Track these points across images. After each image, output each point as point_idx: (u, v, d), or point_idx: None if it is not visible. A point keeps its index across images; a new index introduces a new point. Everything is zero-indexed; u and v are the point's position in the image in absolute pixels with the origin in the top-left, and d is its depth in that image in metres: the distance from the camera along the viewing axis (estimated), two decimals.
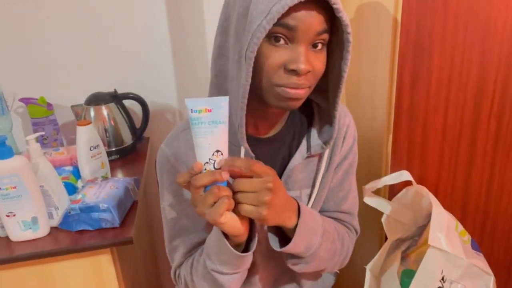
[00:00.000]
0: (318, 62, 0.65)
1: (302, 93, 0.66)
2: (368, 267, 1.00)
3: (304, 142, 0.80)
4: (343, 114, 0.83)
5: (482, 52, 0.97)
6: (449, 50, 0.96)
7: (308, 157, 0.80)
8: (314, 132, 0.79)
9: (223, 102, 0.58)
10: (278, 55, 0.63)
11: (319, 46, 0.65)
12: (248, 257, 0.69)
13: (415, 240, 1.07)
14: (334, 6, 0.60)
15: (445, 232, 0.80)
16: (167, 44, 1.42)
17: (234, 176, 0.61)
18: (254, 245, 0.68)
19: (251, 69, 0.63)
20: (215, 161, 0.59)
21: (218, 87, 0.75)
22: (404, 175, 1.04)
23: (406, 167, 1.06)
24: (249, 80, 0.63)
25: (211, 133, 0.58)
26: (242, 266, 0.70)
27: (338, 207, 0.86)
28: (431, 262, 0.76)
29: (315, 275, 0.95)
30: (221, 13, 0.72)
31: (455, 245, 0.79)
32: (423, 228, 1.04)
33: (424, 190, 0.99)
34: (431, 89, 0.99)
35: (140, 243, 1.27)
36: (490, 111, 1.03)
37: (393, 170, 1.06)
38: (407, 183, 1.06)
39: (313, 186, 0.81)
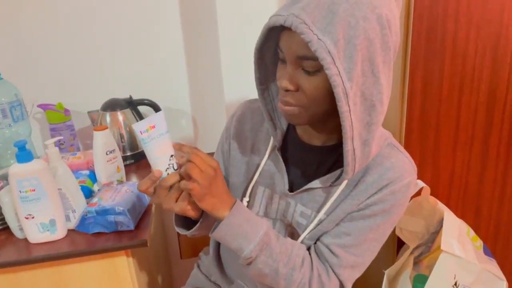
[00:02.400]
0: (308, 84, 0.68)
1: (290, 110, 0.72)
2: (387, 271, 1.01)
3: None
4: (399, 178, 0.75)
5: (494, 57, 0.97)
6: (461, 55, 0.97)
7: (331, 185, 0.78)
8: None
9: (161, 116, 0.71)
10: (278, 72, 0.72)
11: (310, 69, 0.67)
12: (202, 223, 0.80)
13: (428, 247, 1.06)
14: (302, 36, 0.62)
15: (457, 238, 0.80)
16: (181, 51, 1.45)
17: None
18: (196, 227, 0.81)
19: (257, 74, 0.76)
20: (173, 164, 0.71)
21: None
22: (419, 183, 1.04)
23: (418, 172, 1.06)
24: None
25: (162, 144, 0.70)
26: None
27: (329, 243, 0.79)
28: (444, 267, 0.76)
29: None
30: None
31: (467, 251, 0.79)
32: (435, 234, 1.04)
33: (432, 198, 0.99)
34: (442, 94, 0.99)
35: (154, 246, 1.28)
36: (502, 116, 1.03)
37: None
38: (417, 193, 1.06)
39: (318, 211, 0.80)
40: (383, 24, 0.64)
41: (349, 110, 0.65)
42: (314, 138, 0.82)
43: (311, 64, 0.66)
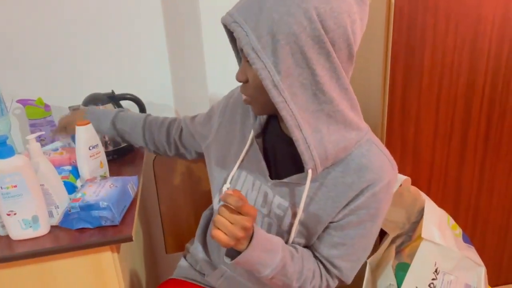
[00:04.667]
0: (251, 75, 0.76)
1: (245, 101, 0.79)
2: (369, 260, 1.03)
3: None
4: (378, 181, 0.77)
5: (471, 51, 0.99)
6: (440, 50, 0.99)
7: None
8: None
9: None
10: None
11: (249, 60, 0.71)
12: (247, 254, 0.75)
13: (409, 236, 1.09)
14: (234, 34, 0.70)
15: (438, 226, 0.82)
16: (163, 45, 1.44)
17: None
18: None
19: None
20: None
21: None
22: (399, 177, 1.06)
23: (399, 163, 1.08)
24: None
25: None
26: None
27: (328, 255, 0.84)
28: (425, 255, 0.78)
29: None
30: None
31: (447, 238, 0.81)
32: (416, 224, 1.06)
33: (413, 188, 1.01)
34: (422, 87, 1.01)
35: (139, 241, 1.28)
36: (480, 108, 1.05)
37: None
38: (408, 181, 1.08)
39: (294, 205, 0.82)
40: (312, 18, 0.66)
41: (285, 100, 0.69)
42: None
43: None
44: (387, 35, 1.01)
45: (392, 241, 1.10)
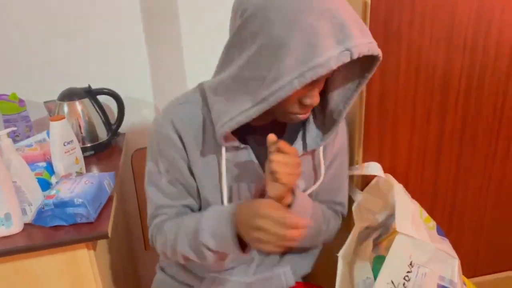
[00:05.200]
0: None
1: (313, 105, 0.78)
2: (340, 254, 1.03)
3: (299, 139, 0.88)
4: None
5: (447, 45, 1.01)
6: (416, 44, 0.99)
7: (303, 154, 0.87)
8: (310, 129, 0.87)
9: None
10: (295, 93, 0.72)
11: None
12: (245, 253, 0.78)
13: (386, 228, 1.10)
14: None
15: (411, 219, 0.83)
16: (141, 39, 1.41)
17: None
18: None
19: (263, 110, 0.72)
20: None
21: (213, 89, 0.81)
22: (372, 166, 1.07)
23: (377, 157, 1.09)
24: (253, 116, 0.73)
25: None
26: (232, 255, 0.82)
27: (332, 198, 0.99)
28: (400, 248, 0.79)
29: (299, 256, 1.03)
30: (238, 16, 0.73)
31: (421, 231, 0.82)
32: (394, 217, 1.07)
33: (391, 178, 1.02)
34: (399, 82, 1.02)
35: (117, 238, 1.26)
36: (456, 103, 1.07)
37: (365, 161, 1.09)
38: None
39: (314, 181, 0.92)
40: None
41: None
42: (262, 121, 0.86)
43: None
44: None
45: (370, 235, 1.11)
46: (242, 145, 0.84)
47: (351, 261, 1.07)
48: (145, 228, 1.28)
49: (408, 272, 0.78)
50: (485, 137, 1.13)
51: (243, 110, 0.73)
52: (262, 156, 0.85)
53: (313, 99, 0.75)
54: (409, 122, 1.07)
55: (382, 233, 1.10)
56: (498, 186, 1.20)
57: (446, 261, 0.82)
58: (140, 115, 1.49)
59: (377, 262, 1.01)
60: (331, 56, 0.65)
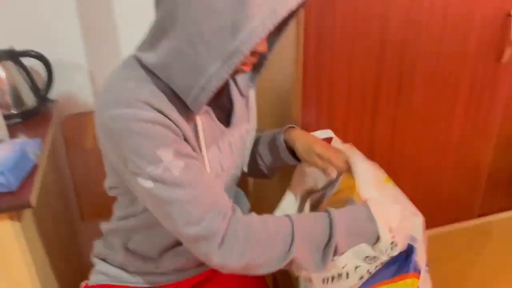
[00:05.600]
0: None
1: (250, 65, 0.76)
2: (276, 214, 1.03)
3: (233, 85, 0.89)
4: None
5: (382, 9, 1.00)
6: (351, 8, 0.98)
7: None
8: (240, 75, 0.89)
9: None
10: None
11: None
12: None
13: (323, 193, 1.10)
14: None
15: (373, 182, 0.82)
16: None
17: None
18: None
19: (236, 65, 0.65)
20: None
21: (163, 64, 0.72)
22: (328, 133, 1.06)
23: (316, 121, 1.08)
24: (227, 76, 0.66)
25: None
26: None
27: None
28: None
29: None
30: None
31: (386, 193, 0.82)
32: (334, 184, 1.07)
33: (346, 146, 1.00)
34: (335, 46, 1.01)
35: (49, 209, 1.20)
36: (391, 67, 1.07)
37: (303, 125, 1.08)
38: (329, 140, 1.08)
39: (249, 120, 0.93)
40: None
41: None
42: None
43: None
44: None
45: (303, 199, 1.11)
46: (208, 109, 0.80)
47: None
48: (80, 197, 1.23)
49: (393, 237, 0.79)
50: (419, 98, 1.15)
51: (213, 74, 0.66)
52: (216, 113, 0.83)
53: (263, 46, 0.71)
54: (345, 86, 1.06)
55: (320, 197, 1.11)
56: (433, 144, 1.24)
57: (410, 218, 0.83)
58: (72, 80, 1.40)
59: None
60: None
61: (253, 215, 0.76)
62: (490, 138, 1.28)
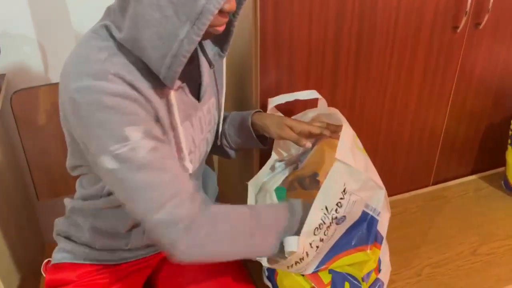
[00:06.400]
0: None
1: (223, 24, 0.72)
2: (250, 182, 1.04)
3: (201, 56, 0.86)
4: None
5: None
6: None
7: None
8: (207, 44, 0.86)
9: None
10: None
11: None
12: None
13: (295, 166, 1.11)
14: None
15: (350, 148, 0.83)
16: None
17: None
18: None
19: (206, 24, 0.63)
20: None
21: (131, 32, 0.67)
22: (314, 94, 1.05)
23: (275, 89, 1.08)
24: (199, 39, 0.64)
25: None
26: None
27: None
28: (336, 175, 0.79)
29: None
30: None
31: (358, 160, 0.83)
32: (304, 155, 1.08)
33: (332, 110, 0.99)
34: (294, 7, 0.99)
35: (4, 189, 1.15)
36: (349, 32, 1.07)
37: (262, 90, 1.06)
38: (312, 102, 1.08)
39: (219, 93, 0.93)
40: None
41: None
42: None
43: None
44: None
45: (272, 167, 1.12)
46: (182, 84, 0.79)
47: (257, 193, 1.08)
48: (34, 176, 1.18)
49: (341, 198, 0.79)
50: (379, 62, 1.15)
51: (184, 37, 0.63)
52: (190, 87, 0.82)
53: (231, 3, 0.68)
54: (305, 49, 1.05)
55: (293, 169, 1.11)
56: (391, 110, 1.25)
57: (374, 190, 0.84)
58: (21, 52, 1.32)
59: (278, 192, 1.03)
60: None
61: (218, 205, 0.75)
62: (444, 105, 1.32)
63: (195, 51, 0.86)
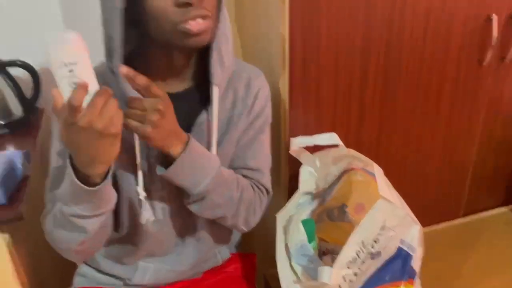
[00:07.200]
0: None
1: (206, 25, 0.67)
2: (278, 214, 1.05)
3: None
4: (255, 76, 0.86)
5: (366, 16, 1.02)
6: (336, 9, 0.99)
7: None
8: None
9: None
10: None
11: None
12: (106, 193, 0.68)
13: (322, 199, 1.12)
14: None
15: (386, 184, 0.84)
16: (56, 5, 1.30)
17: None
18: (109, 176, 0.67)
19: (119, 20, 0.65)
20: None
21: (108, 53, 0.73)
22: (333, 138, 1.08)
23: (303, 122, 1.10)
24: (118, 34, 0.66)
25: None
26: (102, 204, 0.69)
27: (246, 164, 0.87)
28: (378, 212, 0.80)
29: (218, 232, 0.95)
30: None
31: (394, 196, 0.84)
32: (331, 188, 1.09)
33: (353, 152, 1.02)
34: (321, 50, 1.02)
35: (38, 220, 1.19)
36: (376, 68, 1.09)
37: (291, 123, 1.09)
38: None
39: (209, 144, 0.81)
40: None
41: None
42: (178, 84, 0.80)
43: None
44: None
45: (299, 200, 1.13)
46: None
47: (285, 225, 1.09)
48: None
49: (378, 234, 0.80)
50: (405, 96, 1.17)
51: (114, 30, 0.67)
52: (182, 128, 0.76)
53: None
54: (332, 89, 1.08)
55: (320, 202, 1.13)
56: (419, 145, 1.26)
57: (410, 226, 0.85)
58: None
59: (305, 224, 1.04)
60: None
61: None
62: (472, 137, 1.32)
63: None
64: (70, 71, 0.56)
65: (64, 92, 0.57)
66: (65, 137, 0.60)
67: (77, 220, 0.69)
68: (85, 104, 0.56)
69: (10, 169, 0.91)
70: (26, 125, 1.26)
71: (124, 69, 0.63)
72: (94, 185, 0.65)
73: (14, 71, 1.26)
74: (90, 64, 0.58)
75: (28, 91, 1.30)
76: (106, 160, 0.63)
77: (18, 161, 0.95)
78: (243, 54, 1.28)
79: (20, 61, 1.25)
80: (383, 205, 0.79)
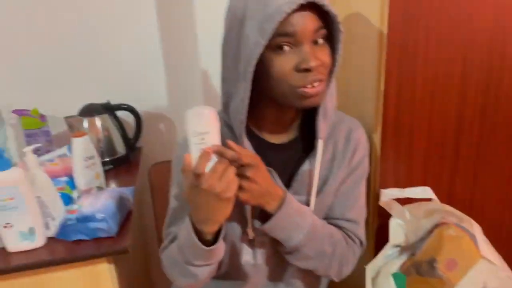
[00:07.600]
0: (324, 55, 0.72)
1: (320, 89, 0.72)
2: (368, 266, 1.04)
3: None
4: (355, 127, 0.89)
5: (463, 61, 1.01)
6: (432, 61, 1.00)
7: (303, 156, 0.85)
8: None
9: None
10: (286, 60, 0.70)
11: (321, 41, 0.71)
12: (218, 249, 0.76)
13: (412, 253, 1.09)
14: (320, 3, 0.67)
15: (487, 244, 0.82)
16: (158, 54, 1.44)
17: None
18: (221, 237, 0.76)
19: (249, 83, 0.70)
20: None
21: (224, 106, 0.81)
22: (427, 192, 1.08)
23: (393, 172, 1.09)
24: (248, 93, 0.71)
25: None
26: (213, 258, 0.77)
27: (343, 215, 0.89)
28: (478, 273, 0.78)
29: (308, 280, 0.97)
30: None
31: (495, 256, 0.81)
32: (423, 240, 1.07)
33: (447, 207, 1.01)
34: (416, 97, 1.03)
35: (135, 252, 1.28)
36: (472, 119, 1.07)
37: (382, 174, 1.09)
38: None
39: (309, 193, 0.84)
40: None
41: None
42: (283, 135, 0.86)
43: (323, 33, 0.71)
44: (380, 48, 1.02)
45: (397, 254, 1.10)
46: (268, 168, 0.79)
47: (374, 277, 1.07)
48: (161, 243, 1.29)
49: None
50: (503, 152, 1.12)
51: (242, 97, 0.72)
52: (285, 176, 0.84)
53: (308, 62, 0.69)
54: (425, 137, 1.07)
55: (409, 256, 1.10)
56: None
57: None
58: (157, 129, 1.52)
59: (396, 278, 1.01)
60: (282, 3, 0.66)
61: None
62: None
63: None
64: (202, 139, 0.66)
65: (193, 156, 0.67)
66: (188, 196, 0.70)
67: (190, 267, 0.78)
68: (208, 168, 0.66)
69: (120, 204, 0.99)
70: (127, 162, 1.38)
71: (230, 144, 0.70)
72: (206, 241, 0.74)
73: (120, 113, 1.39)
74: (219, 133, 0.68)
75: (130, 131, 1.43)
76: (218, 220, 0.71)
77: (125, 197, 1.03)
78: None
79: (126, 104, 1.38)
80: (484, 266, 0.76)
